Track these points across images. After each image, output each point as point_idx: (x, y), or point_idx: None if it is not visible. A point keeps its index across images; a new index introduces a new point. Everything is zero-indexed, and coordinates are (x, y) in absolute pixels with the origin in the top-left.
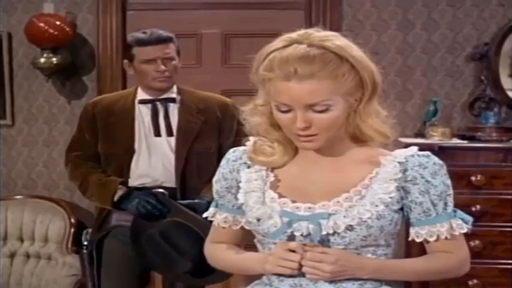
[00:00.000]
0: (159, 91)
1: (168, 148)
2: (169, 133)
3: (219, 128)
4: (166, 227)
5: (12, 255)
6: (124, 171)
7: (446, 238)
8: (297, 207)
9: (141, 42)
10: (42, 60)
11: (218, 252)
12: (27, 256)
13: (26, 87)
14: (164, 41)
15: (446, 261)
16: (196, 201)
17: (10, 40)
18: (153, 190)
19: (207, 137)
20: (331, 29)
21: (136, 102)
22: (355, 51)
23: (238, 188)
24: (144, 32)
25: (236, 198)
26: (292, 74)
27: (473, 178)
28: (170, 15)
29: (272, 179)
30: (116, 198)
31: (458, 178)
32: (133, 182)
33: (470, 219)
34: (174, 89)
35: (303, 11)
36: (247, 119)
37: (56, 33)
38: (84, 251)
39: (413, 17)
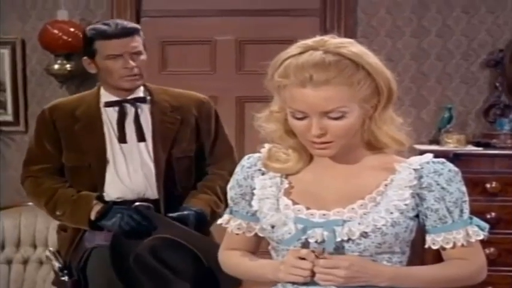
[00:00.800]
0: (126, 91)
1: (146, 155)
2: (141, 138)
3: (196, 127)
4: (157, 245)
5: (25, 262)
6: (98, 185)
7: (462, 245)
8: (312, 214)
9: (105, 35)
10: (56, 66)
11: (232, 258)
12: (40, 263)
13: (39, 94)
14: (131, 33)
15: (463, 268)
16: (185, 213)
17: (24, 47)
18: (136, 204)
19: (185, 138)
20: (345, 36)
21: (101, 105)
22: (371, 58)
23: (253, 194)
24: (106, 24)
25: (250, 205)
26: (308, 80)
27: (488, 185)
28: (184, 22)
29: (286, 185)
30: (93, 216)
31: (473, 185)
32: (110, 196)
33: (486, 226)
34: (141, 88)
35: (317, 18)
36: (262, 125)
37: (69, 39)
38: (64, 278)
39: (428, 23)
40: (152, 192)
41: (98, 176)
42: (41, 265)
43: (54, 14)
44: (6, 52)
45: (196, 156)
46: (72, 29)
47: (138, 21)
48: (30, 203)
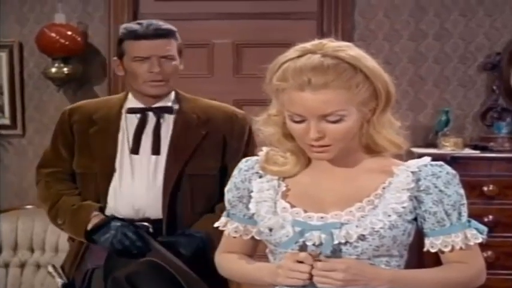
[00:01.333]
0: (153, 98)
1: (157, 169)
2: (156, 150)
3: (223, 144)
4: (135, 271)
5: (22, 265)
6: (100, 196)
7: (461, 248)
8: (309, 217)
9: (134, 35)
10: (54, 70)
11: (228, 262)
12: (38, 266)
13: (37, 97)
14: (164, 35)
15: (462, 272)
16: (173, 239)
17: (21, 50)
18: (137, 223)
19: (207, 155)
20: (343, 39)
21: (123, 110)
22: (369, 61)
23: (250, 197)
24: (139, 23)
25: (247, 208)
26: (306, 84)
27: (485, 188)
28: (182, 25)
29: (284, 188)
30: (89, 227)
31: (470, 188)
32: (110, 211)
33: (485, 229)
34: (172, 96)
35: (315, 21)
36: (260, 129)
37: (67, 43)
38: None
39: (426, 27)
40: (156, 212)
41: (101, 186)
42: (38, 269)
43: (52, 17)
44: (3, 55)
45: (221, 177)
46: (69, 33)
47: None
48: (28, 206)
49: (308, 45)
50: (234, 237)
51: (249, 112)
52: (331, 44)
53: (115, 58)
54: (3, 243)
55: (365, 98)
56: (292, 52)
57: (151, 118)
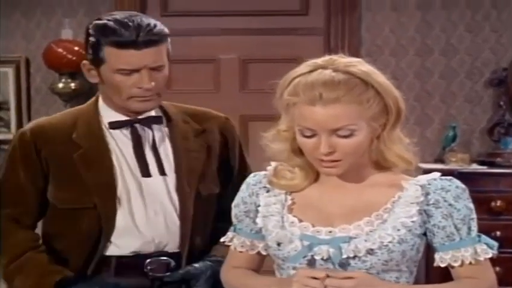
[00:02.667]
0: (137, 112)
1: (166, 193)
2: (161, 171)
3: (221, 157)
4: None
5: None
6: (103, 233)
7: (471, 263)
8: (318, 231)
9: (120, 43)
10: (61, 85)
11: (235, 277)
12: None
13: (43, 113)
14: (156, 42)
15: (472, 286)
16: (190, 268)
17: (28, 65)
18: (150, 260)
19: (211, 172)
20: (350, 55)
21: (104, 126)
22: (379, 77)
23: (257, 212)
24: (121, 23)
25: (254, 223)
26: (317, 98)
27: (493, 204)
28: (188, 40)
29: (291, 202)
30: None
31: (478, 204)
32: (122, 249)
33: (495, 244)
34: None
35: (321, 37)
36: (269, 145)
37: (74, 58)
38: None
39: (432, 42)
40: (174, 243)
41: (106, 221)
42: None
43: (59, 33)
44: (10, 71)
45: (220, 195)
46: (76, 48)
47: None
48: None
49: (319, 60)
50: (240, 251)
51: (255, 127)
52: (342, 59)
53: (85, 62)
54: None
55: (375, 113)
56: (303, 67)
57: (143, 133)
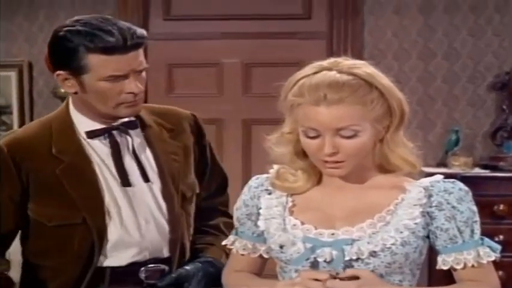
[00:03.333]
0: (117, 118)
1: (152, 199)
2: (146, 177)
3: (195, 155)
4: None
5: None
6: (96, 247)
7: (473, 266)
8: (320, 233)
9: (107, 49)
10: (63, 89)
11: (237, 280)
12: None
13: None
14: (141, 44)
15: None
16: (182, 271)
17: (31, 69)
18: (144, 268)
19: (190, 172)
20: (352, 59)
21: (81, 136)
22: (384, 79)
23: (259, 214)
24: (101, 28)
25: (256, 226)
26: (322, 99)
27: (495, 208)
28: (191, 45)
29: (292, 204)
30: None
31: (480, 208)
32: (116, 260)
33: (498, 247)
34: None
35: (324, 41)
36: (272, 148)
37: None
38: None
39: (435, 46)
40: (166, 249)
41: (98, 235)
42: None
43: None
44: (13, 74)
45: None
46: None
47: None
48: None
49: (324, 62)
50: (242, 254)
51: (258, 131)
52: (346, 61)
53: (61, 72)
54: (12, 262)
55: (379, 115)
56: (308, 69)
57: (121, 139)
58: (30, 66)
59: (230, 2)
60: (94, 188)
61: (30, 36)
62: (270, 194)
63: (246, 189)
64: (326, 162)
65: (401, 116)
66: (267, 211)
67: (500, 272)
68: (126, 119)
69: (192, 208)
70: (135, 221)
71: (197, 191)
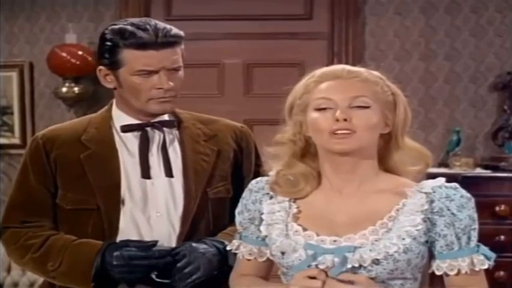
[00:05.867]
0: (151, 115)
1: (172, 194)
2: (169, 172)
3: (235, 163)
4: None
5: (31, 285)
6: (107, 235)
7: (466, 273)
8: (322, 240)
9: (140, 44)
10: (64, 89)
11: (244, 284)
12: None
13: (47, 117)
14: (174, 43)
15: None
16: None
17: (32, 70)
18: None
19: (222, 176)
20: (354, 59)
21: (115, 129)
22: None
23: (261, 219)
24: (139, 26)
25: (260, 230)
26: (339, 75)
27: (497, 208)
28: (192, 45)
29: (295, 210)
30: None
31: (482, 208)
32: None
33: (493, 255)
34: None
35: (325, 41)
36: (272, 151)
37: (78, 62)
38: None
39: (436, 47)
40: (174, 244)
41: (108, 222)
42: None
43: (62, 37)
44: (14, 75)
45: (233, 199)
46: (80, 52)
47: None
48: None
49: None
50: (248, 259)
51: (259, 132)
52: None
53: (101, 67)
54: (12, 263)
55: (388, 103)
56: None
57: (153, 135)
58: (32, 66)
59: (231, 2)
60: (113, 178)
61: (31, 37)
62: (271, 198)
63: (247, 193)
64: (335, 134)
65: (405, 118)
66: (269, 216)
67: (502, 272)
68: (165, 117)
69: (219, 210)
70: (146, 213)
71: (228, 195)
